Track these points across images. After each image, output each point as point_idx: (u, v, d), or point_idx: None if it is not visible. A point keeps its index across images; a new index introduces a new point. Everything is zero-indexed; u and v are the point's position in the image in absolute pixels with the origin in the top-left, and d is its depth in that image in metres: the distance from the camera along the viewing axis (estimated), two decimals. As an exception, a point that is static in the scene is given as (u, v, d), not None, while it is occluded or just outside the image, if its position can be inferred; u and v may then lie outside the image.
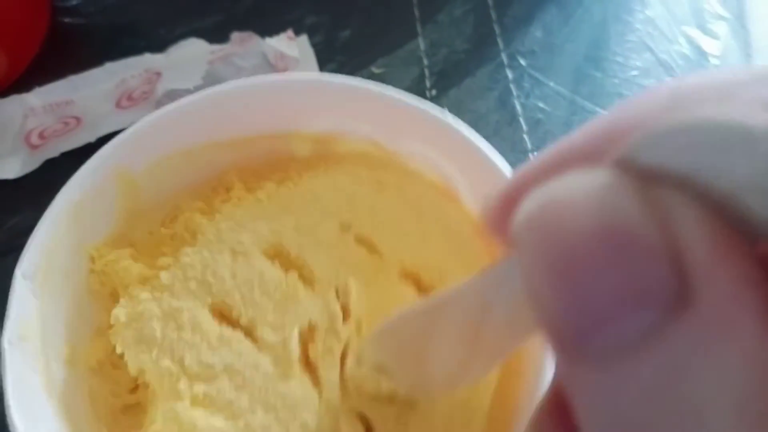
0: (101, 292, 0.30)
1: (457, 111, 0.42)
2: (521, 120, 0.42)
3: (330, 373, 0.27)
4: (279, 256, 0.30)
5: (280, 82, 0.32)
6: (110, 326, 0.30)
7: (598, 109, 0.43)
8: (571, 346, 0.11)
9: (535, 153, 0.41)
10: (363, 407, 0.26)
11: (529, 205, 0.12)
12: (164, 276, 0.29)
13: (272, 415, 0.26)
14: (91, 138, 0.40)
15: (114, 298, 0.30)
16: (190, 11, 0.47)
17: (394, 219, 0.31)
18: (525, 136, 0.42)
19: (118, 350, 0.28)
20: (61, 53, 0.46)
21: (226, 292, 0.28)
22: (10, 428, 0.24)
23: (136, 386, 0.29)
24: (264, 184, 0.32)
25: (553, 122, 0.42)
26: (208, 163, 0.33)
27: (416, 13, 0.47)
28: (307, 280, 0.29)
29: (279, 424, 0.26)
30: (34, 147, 0.41)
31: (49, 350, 0.27)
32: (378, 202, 0.31)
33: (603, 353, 0.11)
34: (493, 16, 0.46)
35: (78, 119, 0.41)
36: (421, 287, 0.29)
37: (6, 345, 0.25)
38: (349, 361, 0.26)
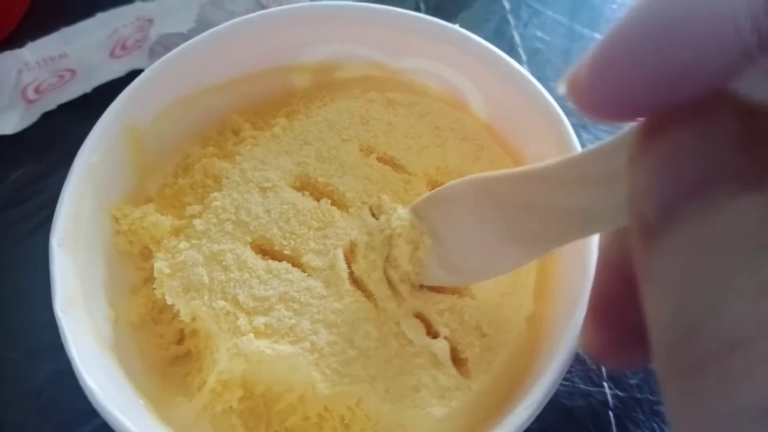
0: (130, 251, 0.30)
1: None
2: (520, 50, 0.42)
3: (379, 285, 0.28)
4: (307, 186, 0.30)
5: (271, 15, 0.31)
6: (145, 283, 0.30)
7: (597, 35, 0.42)
8: (660, 212, 0.13)
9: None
10: (418, 306, 0.27)
11: None
12: (198, 223, 0.29)
13: (335, 331, 0.27)
14: (87, 88, 0.40)
15: (144, 255, 0.30)
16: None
17: (411, 134, 0.31)
18: (525, 66, 0.41)
19: (168, 301, 0.28)
20: (51, 7, 0.45)
21: (263, 228, 0.29)
22: (84, 389, 0.24)
23: (181, 337, 0.30)
24: (275, 120, 0.32)
25: (552, 51, 0.42)
26: (209, 108, 0.33)
27: (411, -54, 0.46)
28: (339, 204, 0.30)
29: (342, 338, 0.26)
30: (30, 101, 0.41)
31: (95, 312, 0.28)
32: (392, 120, 0.32)
33: (688, 216, 0.12)
34: (490, -54, 0.46)
35: (72, 71, 0.41)
36: None
37: (60, 313, 0.25)
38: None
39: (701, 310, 0.12)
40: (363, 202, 0.29)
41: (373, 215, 0.29)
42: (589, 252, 0.26)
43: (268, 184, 0.30)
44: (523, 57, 0.42)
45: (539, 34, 0.43)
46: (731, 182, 0.12)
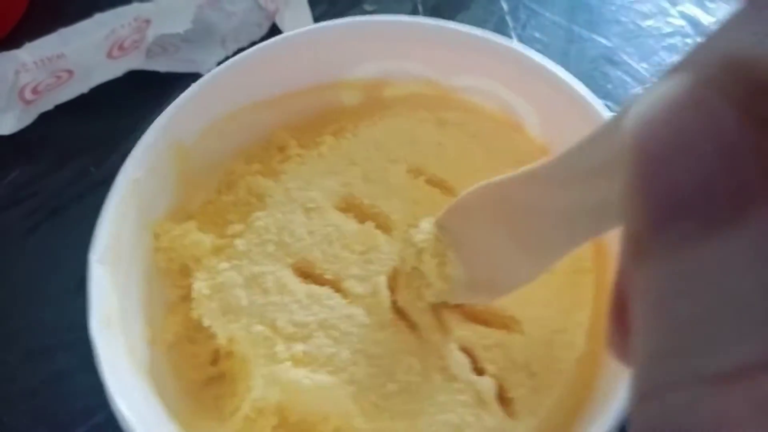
0: (169, 269, 0.30)
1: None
2: (518, 51, 0.41)
3: (424, 316, 0.27)
4: (352, 207, 0.29)
5: (321, 29, 0.31)
6: (182, 301, 0.29)
7: (595, 36, 0.42)
8: (649, 232, 0.11)
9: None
10: (464, 340, 0.26)
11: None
12: (239, 243, 0.28)
13: (375, 363, 0.26)
14: (84, 89, 0.40)
15: (183, 273, 0.30)
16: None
17: (462, 156, 0.30)
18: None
19: (205, 323, 0.27)
20: (49, 8, 0.45)
21: (306, 250, 0.28)
22: (114, 411, 0.24)
23: (215, 358, 0.29)
24: (322, 139, 0.31)
25: (550, 52, 0.41)
26: (255, 124, 0.32)
27: (408, -53, 0.46)
28: (384, 227, 0.29)
29: (383, 371, 0.26)
30: (28, 102, 0.40)
31: (130, 331, 0.27)
32: (443, 141, 0.31)
33: (676, 240, 0.11)
34: (487, -54, 0.46)
35: (70, 72, 0.41)
36: None
37: (95, 333, 0.25)
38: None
39: (663, 376, 0.11)
40: (409, 225, 0.28)
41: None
42: None
43: (313, 205, 0.29)
44: (522, 58, 0.41)
45: (537, 35, 0.42)
46: (725, 208, 0.11)
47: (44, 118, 0.40)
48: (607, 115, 0.27)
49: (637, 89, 0.41)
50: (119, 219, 0.27)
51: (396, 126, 0.31)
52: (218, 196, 0.31)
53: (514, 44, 0.29)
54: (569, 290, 0.27)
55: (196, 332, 0.29)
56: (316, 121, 0.33)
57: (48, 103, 0.40)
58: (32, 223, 0.38)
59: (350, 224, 0.28)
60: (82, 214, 0.37)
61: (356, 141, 0.31)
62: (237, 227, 0.29)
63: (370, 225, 0.28)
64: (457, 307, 0.28)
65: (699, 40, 0.43)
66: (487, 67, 0.30)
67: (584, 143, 0.17)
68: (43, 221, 0.38)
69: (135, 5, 0.42)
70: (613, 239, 0.28)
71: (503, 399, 0.26)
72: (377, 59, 0.31)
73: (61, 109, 0.40)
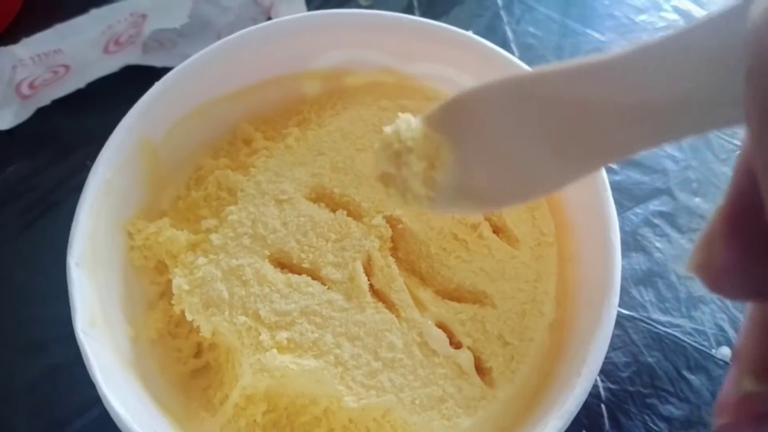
0: (146, 266, 0.30)
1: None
2: (513, 46, 0.42)
3: (400, 295, 0.28)
4: (322, 197, 0.30)
5: (281, 24, 0.31)
6: (161, 297, 0.30)
7: (588, 31, 0.43)
8: None
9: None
10: (441, 316, 0.28)
11: None
12: (215, 237, 0.29)
13: (358, 344, 0.27)
14: (81, 84, 0.40)
15: (159, 269, 0.30)
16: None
17: None
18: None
19: (188, 317, 0.28)
20: (45, 3, 0.45)
21: (281, 242, 0.29)
22: (110, 413, 0.24)
23: (199, 350, 0.30)
24: (288, 131, 0.31)
25: (544, 46, 0.42)
26: (219, 118, 0.32)
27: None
28: (355, 214, 0.30)
29: (366, 350, 0.27)
30: (24, 97, 0.40)
31: (115, 330, 0.28)
32: None
33: None
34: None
35: (67, 67, 0.41)
36: None
37: (81, 335, 0.25)
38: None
39: None
40: (378, 212, 0.29)
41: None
42: (610, 255, 0.26)
43: (284, 197, 0.29)
44: (516, 53, 0.42)
45: (531, 29, 0.43)
46: None
47: (41, 113, 0.40)
48: None
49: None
50: (93, 220, 0.28)
51: (359, 115, 0.32)
52: (188, 191, 0.32)
53: (468, 33, 0.30)
54: (534, 263, 0.29)
55: (177, 327, 0.30)
56: (279, 112, 0.33)
57: (45, 98, 0.40)
58: (30, 217, 0.38)
59: (323, 213, 0.29)
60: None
61: (322, 131, 0.31)
62: (211, 222, 0.29)
63: (341, 213, 0.29)
64: (430, 286, 0.29)
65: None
66: (443, 55, 0.31)
67: (680, 35, 0.16)
68: (41, 216, 0.38)
69: (131, 0, 0.42)
70: (572, 212, 0.29)
71: (481, 369, 0.27)
72: (337, 49, 0.32)
73: (58, 103, 0.40)
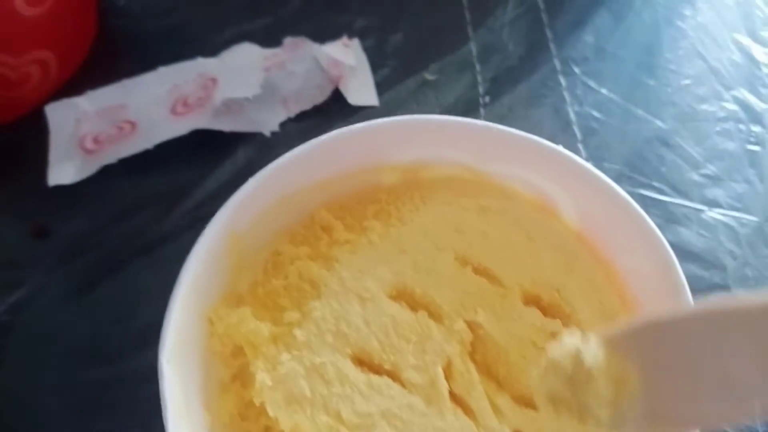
0: (223, 352, 0.30)
1: (511, 118, 0.43)
2: (575, 128, 0.42)
3: (480, 401, 0.28)
4: (403, 296, 0.30)
5: (369, 127, 0.32)
6: (233, 380, 0.30)
7: (651, 117, 0.43)
8: None
9: (591, 162, 0.41)
10: (516, 423, 0.28)
11: None
12: (299, 333, 0.29)
13: None
14: (148, 144, 0.40)
15: (234, 353, 0.30)
16: (239, 14, 0.46)
17: (505, 243, 0.32)
18: (579, 145, 0.42)
19: (270, 413, 0.28)
20: (111, 57, 0.45)
21: (363, 340, 0.29)
22: None
23: None
24: (368, 224, 0.32)
25: (606, 130, 0.43)
26: (298, 204, 0.33)
27: (467, 16, 0.47)
28: (436, 316, 0.30)
29: None
30: (89, 152, 0.41)
31: (195, 421, 0.28)
32: (486, 229, 0.32)
33: None
34: (545, 20, 0.46)
35: (133, 124, 0.41)
36: (542, 307, 0.30)
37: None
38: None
39: None
40: (458, 315, 0.30)
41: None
42: None
43: (367, 295, 0.30)
44: (579, 135, 0.42)
45: (594, 113, 0.43)
46: None
47: (106, 170, 0.40)
48: (636, 206, 0.29)
49: (691, 173, 0.41)
50: (182, 314, 0.28)
51: (441, 214, 0.32)
52: (266, 277, 0.32)
53: (548, 143, 0.31)
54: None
55: (247, 409, 0.30)
56: (355, 200, 0.34)
57: (111, 156, 0.40)
58: (91, 277, 0.38)
59: (404, 314, 0.30)
60: (141, 270, 0.38)
61: (405, 229, 0.32)
62: (293, 315, 0.30)
63: (423, 314, 0.30)
64: (508, 392, 0.29)
65: (752, 126, 0.44)
66: (522, 160, 0.32)
67: None
68: (103, 276, 0.38)
69: (199, 60, 0.43)
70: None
71: None
72: (418, 148, 0.33)
73: (125, 162, 0.40)
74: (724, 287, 0.38)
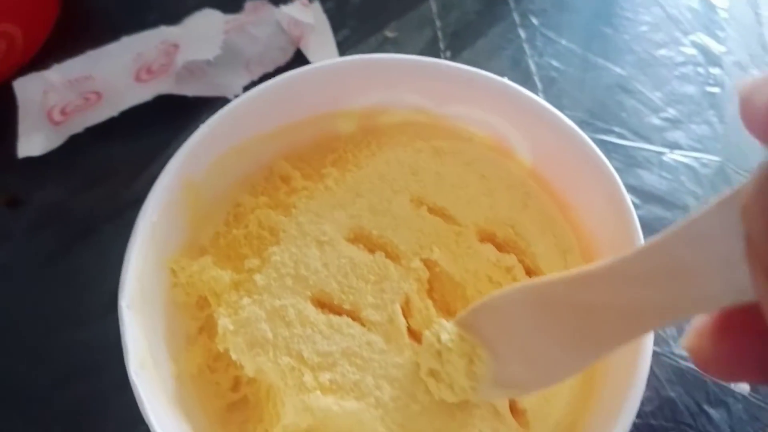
0: (187, 303, 0.31)
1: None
2: (536, 78, 0.43)
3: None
4: (361, 239, 0.31)
5: (320, 69, 0.32)
6: (200, 332, 0.31)
7: (610, 65, 0.44)
8: None
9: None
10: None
11: None
12: (259, 278, 0.29)
13: (397, 386, 0.27)
14: (114, 112, 0.41)
15: (200, 305, 0.31)
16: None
17: (460, 183, 0.32)
18: (540, 95, 0.42)
19: (233, 357, 0.28)
20: (75, 29, 0.45)
21: (323, 282, 0.29)
22: None
23: (236, 383, 0.30)
24: (326, 171, 0.32)
25: (566, 80, 0.43)
26: (256, 154, 0.33)
27: (426, -26, 0.47)
28: (393, 256, 0.30)
29: (405, 393, 0.27)
30: (56, 123, 0.41)
31: (161, 369, 0.28)
32: (440, 170, 0.32)
33: None
34: (503, -26, 0.47)
35: (98, 94, 0.42)
36: (497, 244, 0.31)
37: (134, 377, 0.26)
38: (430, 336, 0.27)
39: None
40: (415, 254, 0.30)
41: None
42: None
43: (325, 238, 0.30)
44: (539, 86, 0.43)
45: (554, 63, 0.44)
46: None
47: (74, 140, 0.41)
48: (590, 143, 0.30)
49: (651, 117, 0.42)
50: (141, 262, 0.28)
51: (396, 156, 0.33)
52: (228, 228, 0.32)
53: (505, 80, 0.31)
54: None
55: (215, 361, 0.30)
56: (314, 149, 0.34)
57: (78, 126, 0.41)
58: (64, 243, 0.39)
59: (362, 255, 0.30)
60: (112, 235, 0.38)
61: (360, 173, 0.32)
62: (253, 261, 0.30)
63: (380, 255, 0.30)
64: None
65: (710, 69, 0.44)
66: (476, 99, 0.32)
67: (666, 242, 0.18)
68: (75, 241, 0.39)
69: (161, 29, 0.43)
70: (605, 255, 0.29)
71: (516, 410, 0.28)
72: (371, 92, 0.33)
73: (91, 131, 0.41)
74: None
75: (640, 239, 0.28)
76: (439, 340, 0.26)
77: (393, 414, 0.27)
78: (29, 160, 0.41)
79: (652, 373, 0.35)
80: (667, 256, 0.18)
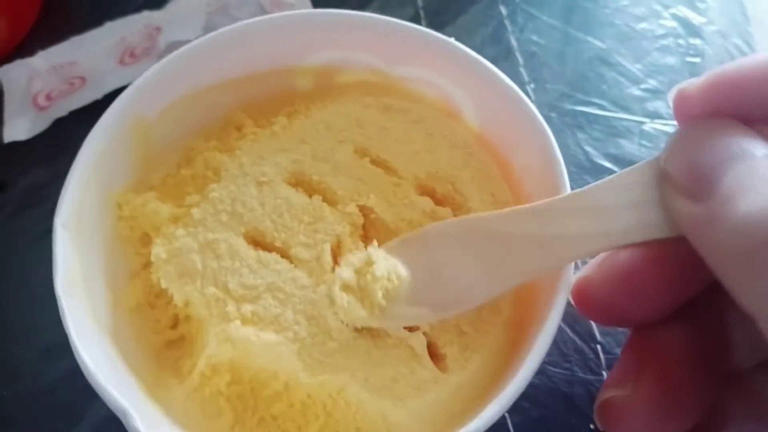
0: (131, 237, 0.31)
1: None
2: (517, 54, 0.43)
3: None
4: (301, 183, 0.31)
5: (276, 20, 0.33)
6: (144, 268, 0.31)
7: (590, 39, 0.44)
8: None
9: (532, 85, 0.42)
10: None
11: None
12: (196, 212, 0.30)
13: (315, 322, 0.28)
14: (98, 95, 0.41)
15: (144, 241, 0.32)
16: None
17: (404, 139, 0.33)
18: (522, 69, 0.43)
19: (163, 285, 0.29)
20: (60, 16, 0.46)
21: (257, 220, 0.30)
22: (82, 369, 0.25)
23: (175, 322, 0.31)
24: (276, 119, 0.33)
25: (547, 54, 0.44)
26: (215, 104, 0.34)
27: (407, -49, 0.47)
28: (330, 201, 0.31)
29: (322, 330, 0.28)
30: (41, 108, 0.42)
31: (94, 295, 0.29)
32: (387, 125, 0.33)
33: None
34: (484, -48, 0.47)
35: (83, 79, 0.42)
36: (436, 199, 0.31)
37: (60, 293, 0.26)
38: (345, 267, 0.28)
39: None
40: (351, 200, 0.31)
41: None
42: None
43: (264, 179, 0.31)
44: (520, 60, 0.43)
45: (535, 38, 0.44)
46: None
47: (59, 123, 0.42)
48: (532, 107, 0.30)
49: (631, 89, 0.42)
50: (83, 187, 0.29)
51: (344, 109, 0.33)
52: (178, 170, 0.33)
53: (451, 40, 0.31)
54: None
55: (156, 298, 0.31)
56: (271, 103, 0.34)
57: (62, 109, 0.41)
58: (49, 224, 0.39)
59: (299, 197, 0.31)
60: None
61: (308, 122, 0.33)
62: (194, 198, 0.31)
63: (317, 198, 0.31)
64: None
65: (690, 40, 0.44)
66: (427, 60, 0.32)
67: (592, 188, 0.23)
68: (60, 222, 0.39)
69: (144, 13, 0.44)
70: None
71: (436, 355, 0.28)
72: (329, 48, 0.34)
73: (76, 114, 0.41)
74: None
75: (563, 174, 0.28)
76: (369, 258, 0.27)
77: (310, 349, 0.27)
78: (15, 145, 0.41)
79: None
80: (592, 197, 0.23)
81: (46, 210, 0.39)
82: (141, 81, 0.31)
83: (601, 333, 0.35)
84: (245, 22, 0.32)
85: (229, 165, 0.31)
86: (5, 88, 0.42)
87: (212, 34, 0.32)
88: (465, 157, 0.32)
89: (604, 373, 0.34)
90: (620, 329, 0.35)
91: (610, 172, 0.39)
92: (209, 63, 0.32)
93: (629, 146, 0.40)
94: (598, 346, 0.35)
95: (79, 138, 0.41)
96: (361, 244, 0.30)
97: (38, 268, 0.37)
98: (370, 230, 0.31)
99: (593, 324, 0.35)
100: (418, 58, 0.32)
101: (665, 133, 0.41)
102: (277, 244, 0.30)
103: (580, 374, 0.34)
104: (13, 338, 0.36)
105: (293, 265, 0.29)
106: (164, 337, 0.31)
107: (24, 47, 0.44)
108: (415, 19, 0.45)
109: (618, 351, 0.35)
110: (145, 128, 0.32)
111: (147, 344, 0.30)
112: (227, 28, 0.32)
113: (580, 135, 0.41)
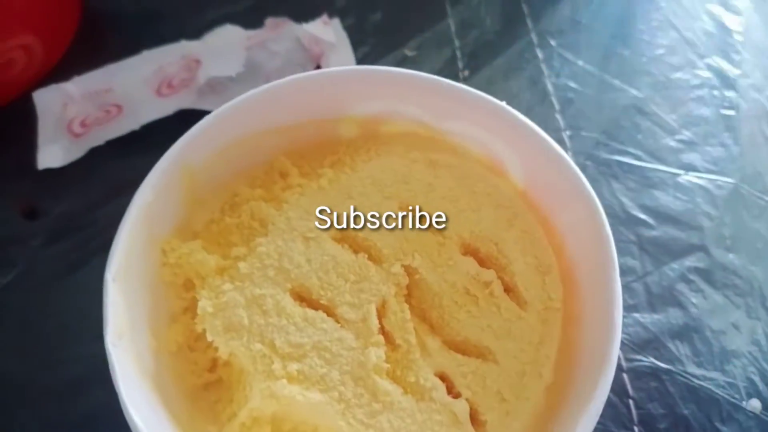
0: (174, 282, 0.32)
1: (490, 91, 0.44)
2: (553, 99, 0.43)
3: (407, 338, 0.29)
4: (346, 239, 0.32)
5: (326, 75, 0.33)
6: (184, 312, 0.31)
7: (626, 87, 0.44)
8: None
9: (568, 132, 0.42)
10: (444, 366, 0.29)
11: None
12: (243, 266, 0.30)
13: (361, 383, 0.28)
14: (135, 126, 0.41)
15: (186, 286, 0.32)
16: (220, -4, 0.47)
17: (450, 196, 0.33)
18: (557, 115, 0.43)
19: (209, 338, 0.29)
20: (95, 41, 0.46)
21: (304, 277, 0.30)
22: (129, 423, 0.26)
23: (214, 365, 0.31)
24: (322, 171, 0.33)
25: (583, 100, 0.44)
26: (259, 148, 0.34)
27: (445, -8, 0.48)
28: (375, 259, 0.31)
29: (368, 391, 0.28)
30: (76, 135, 0.41)
31: (138, 342, 0.29)
32: (433, 181, 0.33)
33: None
34: (521, -6, 0.47)
35: (119, 107, 0.42)
36: (479, 258, 0.32)
37: (110, 347, 0.27)
38: None
39: None
40: (397, 259, 0.31)
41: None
42: (612, 323, 0.27)
43: (312, 234, 0.31)
44: (556, 106, 0.43)
45: (571, 83, 0.44)
46: None
47: (94, 152, 0.41)
48: (575, 168, 0.30)
49: (666, 139, 0.42)
50: (132, 239, 0.30)
51: (391, 164, 0.33)
52: (222, 216, 0.33)
53: (501, 103, 0.32)
54: (540, 326, 0.30)
55: (196, 341, 0.31)
56: (315, 149, 0.35)
57: (98, 138, 0.41)
58: (83, 254, 0.39)
59: (345, 255, 0.31)
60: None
61: (354, 176, 0.33)
62: (240, 250, 0.31)
63: (363, 256, 0.31)
64: (439, 336, 0.30)
65: (725, 92, 0.45)
66: (475, 118, 0.33)
67: None
68: (91, 255, 0.38)
69: (182, 43, 0.44)
70: (580, 276, 0.31)
71: (477, 421, 0.29)
72: (375, 101, 0.34)
73: (112, 144, 0.41)
74: (701, 247, 0.39)
75: (615, 267, 0.28)
76: None
77: (354, 410, 0.28)
78: (49, 172, 0.41)
79: (666, 391, 0.35)
80: None
81: (78, 240, 0.39)
82: (192, 133, 0.31)
83: (633, 388, 0.35)
84: (294, 77, 0.32)
85: (276, 219, 0.32)
86: (39, 113, 0.42)
87: (265, 87, 0.32)
88: (510, 218, 0.32)
89: (636, 428, 0.34)
90: (653, 385, 0.35)
91: (645, 223, 0.39)
92: (259, 114, 0.33)
93: (664, 198, 0.41)
94: (630, 401, 0.35)
95: (114, 168, 0.42)
96: (405, 306, 0.30)
97: (70, 299, 0.38)
98: (414, 290, 0.31)
99: (626, 378, 0.36)
100: (465, 116, 0.33)
101: (700, 186, 0.41)
102: (323, 301, 0.30)
103: (613, 429, 0.34)
104: (40, 369, 0.36)
105: (339, 325, 0.29)
106: (202, 380, 0.31)
107: (59, 72, 0.44)
108: (452, 61, 0.45)
109: (650, 406, 0.35)
110: (192, 174, 0.32)
111: (185, 386, 0.31)
112: (280, 81, 0.32)
113: (615, 185, 0.41)
